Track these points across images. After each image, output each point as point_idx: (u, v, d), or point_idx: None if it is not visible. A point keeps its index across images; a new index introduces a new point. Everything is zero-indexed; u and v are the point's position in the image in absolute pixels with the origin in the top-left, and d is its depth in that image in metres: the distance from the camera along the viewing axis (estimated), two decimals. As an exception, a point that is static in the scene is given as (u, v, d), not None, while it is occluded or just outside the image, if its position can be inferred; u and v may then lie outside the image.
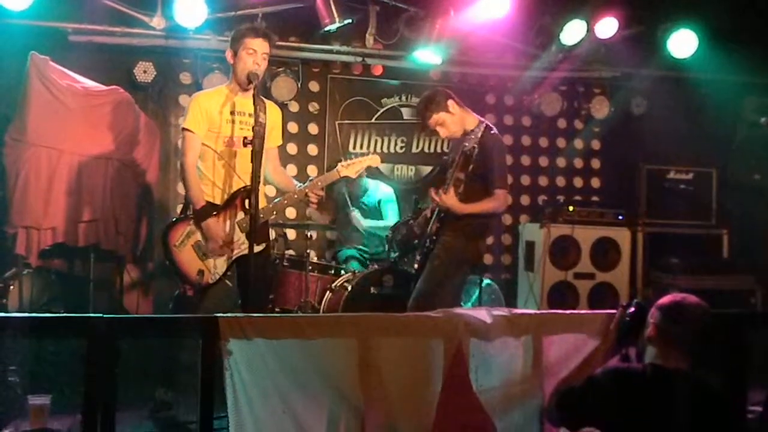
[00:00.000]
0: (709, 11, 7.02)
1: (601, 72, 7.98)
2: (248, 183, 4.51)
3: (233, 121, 4.81)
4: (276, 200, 5.05)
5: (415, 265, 5.45)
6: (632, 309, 3.48)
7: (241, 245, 4.77)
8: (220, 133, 4.78)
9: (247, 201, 4.58)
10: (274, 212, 5.04)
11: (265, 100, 4.71)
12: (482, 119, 5.37)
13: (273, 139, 5.03)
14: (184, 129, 4.79)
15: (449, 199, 5.11)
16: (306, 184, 4.94)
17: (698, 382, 3.14)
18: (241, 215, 4.78)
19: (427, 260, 5.29)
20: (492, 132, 5.22)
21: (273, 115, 4.94)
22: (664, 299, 3.25)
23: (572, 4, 7.17)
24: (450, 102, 5.31)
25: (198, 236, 4.76)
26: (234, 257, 4.79)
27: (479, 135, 5.03)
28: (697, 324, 3.16)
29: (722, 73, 7.82)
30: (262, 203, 4.85)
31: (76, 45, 6.69)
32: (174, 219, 4.95)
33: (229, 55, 4.86)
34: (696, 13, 7.23)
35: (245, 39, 4.77)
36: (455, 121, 5.31)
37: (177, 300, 5.94)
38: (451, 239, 5.22)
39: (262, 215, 4.72)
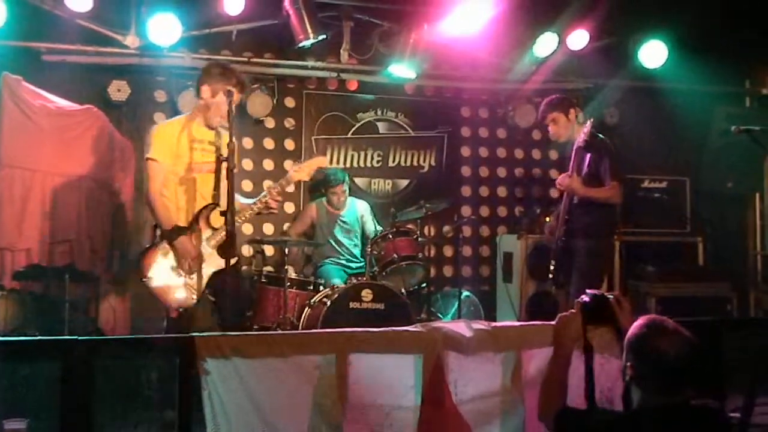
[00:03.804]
0: (678, 22, 7.08)
1: (574, 83, 8.02)
2: (209, 203, 4.86)
3: (193, 149, 4.96)
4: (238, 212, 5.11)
5: (551, 268, 5.85)
6: (587, 299, 3.40)
7: (213, 261, 4.90)
8: (182, 159, 4.92)
9: (211, 218, 4.88)
10: (243, 218, 5.11)
11: (222, 131, 4.98)
12: (591, 131, 5.73)
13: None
14: (148, 159, 4.90)
15: (574, 181, 5.72)
16: (264, 194, 5.09)
17: (697, 412, 2.88)
18: (208, 232, 4.94)
19: (564, 265, 5.75)
20: (597, 136, 5.75)
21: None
22: (633, 334, 2.92)
23: (544, 17, 7.20)
24: (572, 110, 5.93)
25: (172, 259, 4.87)
26: (208, 274, 4.89)
27: (585, 135, 5.61)
28: (677, 361, 2.80)
29: (693, 82, 7.88)
30: (220, 221, 4.95)
31: (50, 64, 6.62)
32: (146, 247, 5.01)
33: (205, 90, 4.96)
34: (665, 24, 7.28)
35: (229, 87, 4.87)
36: (567, 126, 5.90)
37: (166, 323, 5.89)
38: (585, 242, 5.67)
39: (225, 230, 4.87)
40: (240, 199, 5.22)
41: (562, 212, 5.87)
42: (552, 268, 5.87)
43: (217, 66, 5.09)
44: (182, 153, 4.93)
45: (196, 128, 5.01)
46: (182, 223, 4.90)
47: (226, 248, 4.57)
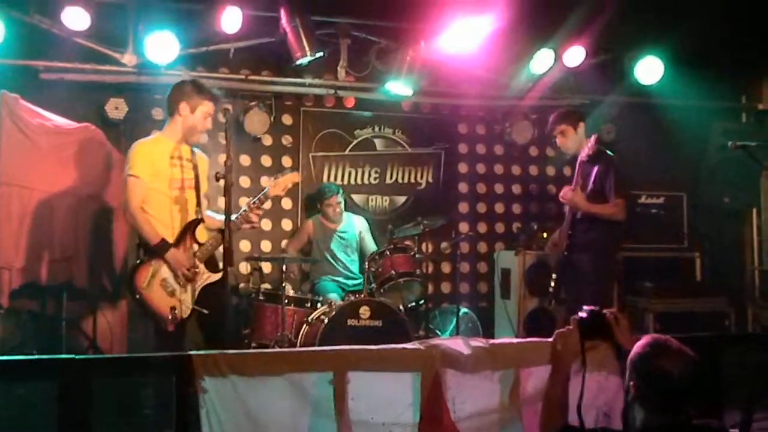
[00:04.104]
0: (674, 38, 7.10)
1: (571, 99, 8.04)
2: (194, 218, 5.03)
3: (174, 165, 5.05)
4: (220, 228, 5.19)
5: (552, 283, 5.84)
6: (584, 315, 3.40)
7: (203, 275, 5.03)
8: (163, 176, 4.99)
9: (197, 233, 5.03)
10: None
11: (196, 150, 5.19)
12: (599, 147, 5.79)
13: (203, 186, 5.30)
14: (130, 176, 4.95)
15: (576, 195, 5.73)
16: (244, 209, 5.19)
17: (699, 431, 2.91)
18: (195, 247, 5.04)
19: (565, 280, 5.77)
20: (603, 151, 5.79)
21: (202, 164, 5.28)
22: (637, 353, 2.92)
23: (541, 34, 7.23)
24: (581, 123, 5.95)
25: (163, 273, 4.92)
26: (198, 288, 5.00)
27: (590, 150, 5.65)
28: (680, 381, 2.81)
29: (689, 98, 7.91)
30: (206, 236, 5.15)
31: (48, 83, 6.64)
32: (136, 263, 5.04)
33: (184, 107, 5.06)
34: (661, 40, 7.30)
35: (206, 101, 5.07)
36: (575, 139, 5.92)
37: (159, 336, 5.88)
38: (589, 257, 5.67)
39: (211, 243, 5.07)
40: (218, 217, 5.31)
41: (566, 227, 5.87)
42: (553, 282, 5.86)
43: (191, 83, 5.19)
44: (162, 170, 4.99)
45: (174, 145, 5.08)
46: (169, 239, 4.95)
47: (216, 263, 4.79)
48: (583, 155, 5.71)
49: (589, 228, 5.73)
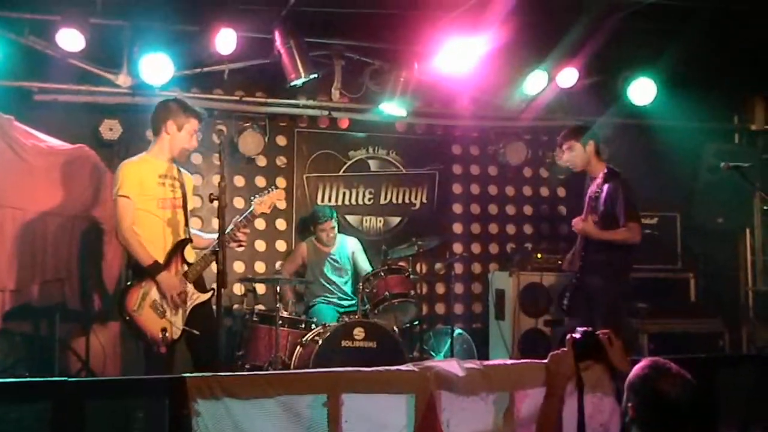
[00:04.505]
0: (666, 59, 7.15)
1: (564, 120, 8.05)
2: (183, 238, 5.06)
3: (162, 184, 5.06)
4: (206, 251, 5.23)
5: (565, 302, 5.91)
6: (578, 336, 3.41)
7: (192, 296, 5.05)
8: (150, 196, 5.00)
9: (186, 253, 5.04)
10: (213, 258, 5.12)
11: (181, 169, 5.21)
12: (609, 167, 5.86)
13: (190, 204, 5.32)
14: (119, 196, 4.95)
15: (588, 225, 5.76)
16: (230, 228, 5.16)
17: None
18: (184, 267, 5.06)
19: (578, 300, 5.79)
20: (614, 175, 5.76)
21: (188, 182, 5.30)
22: (637, 375, 2.93)
23: (534, 55, 7.27)
24: (591, 141, 5.93)
25: (153, 295, 4.92)
26: (189, 308, 5.02)
27: (601, 180, 5.71)
28: (679, 403, 2.83)
29: (682, 119, 7.95)
30: (194, 256, 5.16)
31: (42, 104, 6.65)
32: (126, 284, 5.05)
33: (171, 125, 5.08)
34: (654, 62, 7.34)
35: (191, 119, 5.11)
36: (582, 157, 5.93)
37: (149, 358, 5.86)
38: (600, 280, 5.70)
39: (200, 263, 5.09)
40: (205, 236, 5.33)
41: (578, 249, 5.93)
42: (566, 300, 5.93)
43: (174, 101, 5.22)
44: (150, 190, 5.00)
45: (161, 164, 5.10)
46: (159, 259, 4.95)
47: (204, 283, 4.93)
48: (595, 185, 5.75)
49: (599, 251, 5.77)
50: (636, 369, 2.95)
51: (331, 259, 7.21)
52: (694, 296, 7.81)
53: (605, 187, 5.73)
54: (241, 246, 5.37)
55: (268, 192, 5.41)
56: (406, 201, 8.13)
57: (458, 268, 8.11)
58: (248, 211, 5.28)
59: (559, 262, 7.16)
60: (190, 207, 5.28)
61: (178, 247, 5.04)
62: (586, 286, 5.79)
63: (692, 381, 2.85)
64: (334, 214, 7.25)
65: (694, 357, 4.19)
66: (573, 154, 5.95)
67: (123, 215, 4.92)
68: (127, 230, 4.91)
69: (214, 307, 4.91)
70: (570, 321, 5.83)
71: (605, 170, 5.78)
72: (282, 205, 7.24)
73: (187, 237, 5.10)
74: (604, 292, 5.72)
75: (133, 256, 4.97)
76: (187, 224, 5.14)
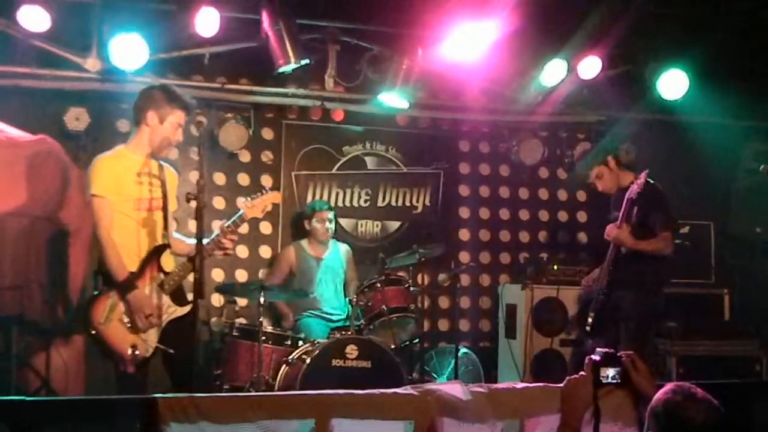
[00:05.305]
0: (701, 49, 7.16)
1: (585, 116, 8.11)
2: (160, 244, 5.05)
3: (140, 183, 5.07)
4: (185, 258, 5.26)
5: (589, 320, 6.03)
6: (598, 358, 3.44)
7: (168, 309, 5.02)
8: (128, 195, 5.01)
9: (162, 261, 5.02)
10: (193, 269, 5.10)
11: (164, 164, 5.19)
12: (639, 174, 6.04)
13: (171, 204, 5.31)
14: (94, 196, 4.97)
15: (623, 233, 5.89)
16: (216, 233, 5.18)
17: None
18: (160, 276, 5.03)
19: (605, 319, 5.95)
20: (650, 182, 5.93)
21: (171, 180, 5.29)
22: (659, 400, 2.99)
23: (552, 42, 7.28)
24: (609, 158, 6.26)
25: (123, 307, 4.94)
26: (164, 323, 5.02)
27: (639, 186, 5.82)
28: (703, 430, 2.88)
29: (718, 116, 7.99)
30: (172, 264, 5.15)
31: (0, 90, 6.67)
32: (93, 294, 5.07)
33: (152, 116, 5.05)
34: (687, 51, 7.36)
35: (177, 110, 5.09)
36: (612, 177, 6.25)
37: (118, 378, 5.88)
38: (631, 295, 5.89)
39: (179, 272, 5.07)
40: (187, 241, 5.31)
41: (608, 262, 6.02)
42: (590, 320, 6.01)
43: (160, 88, 5.22)
44: (127, 189, 5.01)
45: (141, 160, 5.10)
46: (132, 267, 4.95)
47: (183, 295, 4.90)
48: (632, 193, 5.87)
49: (633, 262, 5.90)
50: (658, 394, 2.99)
51: (326, 263, 7.22)
52: (729, 315, 7.84)
53: (640, 192, 5.84)
54: (227, 254, 5.38)
55: (262, 194, 5.39)
56: (407, 203, 8.17)
57: (464, 279, 8.15)
58: (237, 215, 5.28)
59: (578, 277, 7.21)
60: (172, 208, 5.29)
61: (154, 254, 5.03)
62: (613, 302, 5.91)
63: (720, 408, 2.88)
64: (330, 207, 7.30)
65: (726, 383, 4.23)
66: (604, 181, 6.26)
67: (100, 217, 4.95)
68: (106, 234, 4.94)
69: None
70: (592, 343, 5.86)
71: (636, 177, 5.91)
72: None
73: (165, 242, 5.10)
74: (634, 308, 5.85)
75: (107, 265, 4.98)
76: (166, 227, 5.13)
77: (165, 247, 5.10)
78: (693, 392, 2.93)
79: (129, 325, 4.90)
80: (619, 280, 5.94)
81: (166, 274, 5.06)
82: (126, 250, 4.97)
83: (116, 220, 4.98)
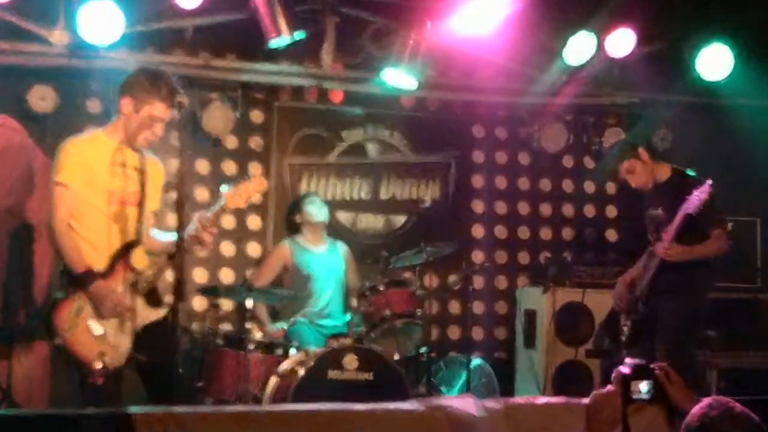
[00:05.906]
0: (746, 23, 7.15)
1: (615, 98, 8.10)
2: (131, 240, 4.98)
3: (115, 173, 4.99)
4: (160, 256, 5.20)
5: (625, 329, 6.14)
6: (627, 371, 3.44)
7: (142, 312, 4.97)
8: (100, 186, 4.95)
9: (133, 258, 4.96)
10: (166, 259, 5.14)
11: (148, 155, 5.11)
12: (674, 167, 6.18)
13: (153, 201, 5.23)
14: (57, 183, 4.90)
15: (678, 252, 5.85)
16: (194, 225, 5.08)
17: None
18: (131, 276, 4.97)
19: (642, 330, 6.03)
20: (685, 175, 6.06)
21: (156, 174, 5.22)
22: (694, 415, 2.99)
23: (578, 14, 7.28)
24: (640, 150, 6.20)
25: (90, 311, 4.85)
26: (139, 328, 4.95)
27: (703, 200, 5.67)
28: None
29: (764, 99, 7.97)
30: (146, 262, 5.08)
31: (-45, 66, 6.69)
32: (57, 296, 5.00)
33: (126, 103, 4.99)
34: (731, 26, 7.36)
35: (156, 102, 4.94)
36: (646, 169, 6.18)
37: (85, 392, 5.90)
38: (672, 302, 5.91)
39: (153, 271, 5.03)
40: (159, 236, 5.29)
41: (651, 268, 6.04)
42: (626, 329, 6.09)
43: (146, 73, 5.09)
44: (100, 178, 4.95)
45: (117, 147, 5.04)
46: (99, 267, 4.91)
47: (158, 297, 4.83)
48: (692, 208, 5.70)
49: (683, 268, 5.89)
50: (694, 409, 2.99)
51: (325, 259, 7.22)
52: (776, 323, 7.85)
53: (701, 209, 5.74)
54: (206, 248, 5.36)
55: (245, 180, 5.35)
56: (414, 196, 8.17)
57: (478, 282, 8.13)
58: (218, 204, 5.22)
59: (606, 280, 7.22)
60: (153, 205, 5.23)
61: (125, 251, 4.99)
62: (654, 310, 5.96)
63: (762, 426, 2.89)
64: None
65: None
66: (637, 176, 6.19)
67: (57, 206, 4.88)
68: (60, 224, 4.87)
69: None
70: (625, 354, 5.86)
71: (672, 171, 5.97)
72: (257, 198, 7.22)
73: (138, 238, 5.07)
74: (675, 315, 5.89)
75: (64, 257, 4.93)
76: (140, 221, 5.07)
77: (134, 243, 5.01)
78: (731, 407, 2.93)
79: (97, 332, 4.82)
80: (663, 286, 5.96)
81: (138, 273, 5.01)
82: (93, 248, 4.92)
83: (85, 213, 4.93)
